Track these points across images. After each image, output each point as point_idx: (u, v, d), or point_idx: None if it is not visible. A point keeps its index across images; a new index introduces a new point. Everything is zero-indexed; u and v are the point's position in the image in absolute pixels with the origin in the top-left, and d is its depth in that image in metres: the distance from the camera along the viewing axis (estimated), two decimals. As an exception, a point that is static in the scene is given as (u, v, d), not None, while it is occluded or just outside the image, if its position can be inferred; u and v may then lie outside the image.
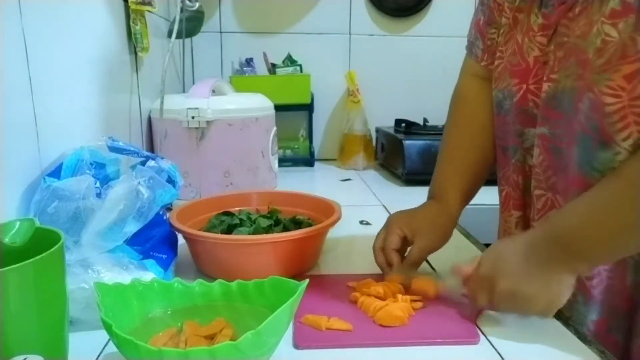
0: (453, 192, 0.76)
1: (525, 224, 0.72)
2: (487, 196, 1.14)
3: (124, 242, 0.62)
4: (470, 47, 0.83)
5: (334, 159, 1.63)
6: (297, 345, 0.55)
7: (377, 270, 0.74)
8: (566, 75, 0.60)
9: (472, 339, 0.57)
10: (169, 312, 0.56)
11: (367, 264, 0.75)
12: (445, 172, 0.80)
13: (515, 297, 0.56)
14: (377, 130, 1.62)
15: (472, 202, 1.12)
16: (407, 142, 1.34)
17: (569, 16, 0.61)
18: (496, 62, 0.73)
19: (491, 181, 0.83)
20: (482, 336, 0.58)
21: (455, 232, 0.93)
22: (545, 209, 0.66)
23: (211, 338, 0.52)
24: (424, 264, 0.77)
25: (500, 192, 0.77)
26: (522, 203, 0.72)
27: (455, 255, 0.78)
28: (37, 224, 0.50)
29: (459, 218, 0.77)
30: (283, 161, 1.49)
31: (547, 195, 0.66)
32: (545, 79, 0.63)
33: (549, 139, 0.64)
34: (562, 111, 0.61)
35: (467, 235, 0.93)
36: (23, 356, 0.41)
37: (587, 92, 0.57)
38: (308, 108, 1.57)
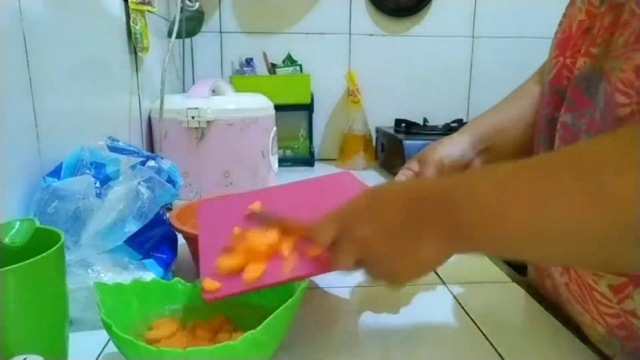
0: (472, 123, 0.69)
1: None
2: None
3: (124, 242, 0.62)
4: None
5: (334, 159, 1.63)
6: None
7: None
8: (607, 50, 0.46)
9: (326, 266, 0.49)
10: (168, 310, 0.56)
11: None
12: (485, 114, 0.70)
13: (373, 248, 0.45)
14: (377, 130, 1.62)
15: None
16: (407, 142, 1.34)
17: None
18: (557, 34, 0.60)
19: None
20: (481, 335, 0.58)
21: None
22: None
23: (213, 333, 0.52)
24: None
25: None
26: None
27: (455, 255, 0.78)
28: (37, 224, 0.50)
29: (479, 142, 0.66)
30: (283, 161, 1.49)
31: None
32: (583, 51, 0.50)
33: (570, 129, 0.51)
34: (589, 97, 0.48)
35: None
36: (23, 356, 0.41)
37: (604, 83, 0.46)
38: (308, 108, 1.57)
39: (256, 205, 0.64)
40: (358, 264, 0.47)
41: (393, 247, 0.44)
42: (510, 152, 0.67)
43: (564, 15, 0.59)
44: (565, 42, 0.55)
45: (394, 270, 0.46)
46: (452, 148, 0.65)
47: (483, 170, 0.47)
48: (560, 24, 0.60)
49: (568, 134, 0.52)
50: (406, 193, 0.46)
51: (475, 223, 0.40)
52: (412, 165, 0.66)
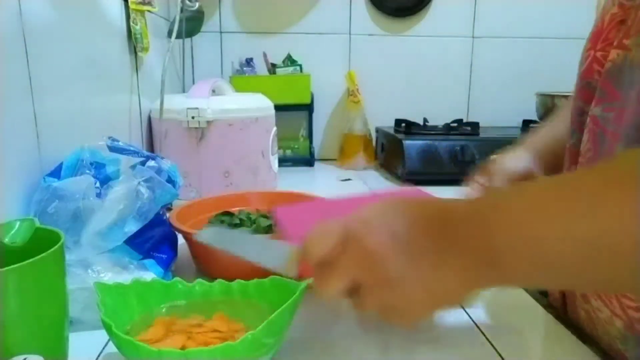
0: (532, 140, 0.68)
1: None
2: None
3: (124, 242, 0.62)
4: None
5: (334, 159, 1.63)
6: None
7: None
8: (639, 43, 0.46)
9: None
10: (168, 310, 0.56)
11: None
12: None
13: (382, 269, 0.37)
14: (377, 130, 1.62)
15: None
16: (407, 142, 1.34)
17: None
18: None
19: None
20: (481, 335, 0.58)
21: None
22: None
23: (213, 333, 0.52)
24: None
25: None
26: None
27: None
28: (37, 224, 0.50)
29: (540, 152, 0.66)
30: (283, 161, 1.49)
31: None
32: (615, 43, 0.48)
33: (598, 122, 0.50)
34: (620, 89, 0.47)
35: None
36: (23, 356, 0.41)
37: (637, 72, 0.44)
38: (308, 108, 1.57)
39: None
40: (352, 291, 0.39)
41: (406, 269, 0.37)
42: None
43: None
44: (597, 35, 0.53)
45: (402, 301, 0.38)
46: (518, 161, 0.64)
47: (513, 189, 0.43)
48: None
49: (596, 126, 0.50)
50: (428, 209, 0.40)
51: (509, 248, 0.35)
52: (480, 178, 0.65)
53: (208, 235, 0.52)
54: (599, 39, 0.53)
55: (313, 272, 0.40)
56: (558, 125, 0.69)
